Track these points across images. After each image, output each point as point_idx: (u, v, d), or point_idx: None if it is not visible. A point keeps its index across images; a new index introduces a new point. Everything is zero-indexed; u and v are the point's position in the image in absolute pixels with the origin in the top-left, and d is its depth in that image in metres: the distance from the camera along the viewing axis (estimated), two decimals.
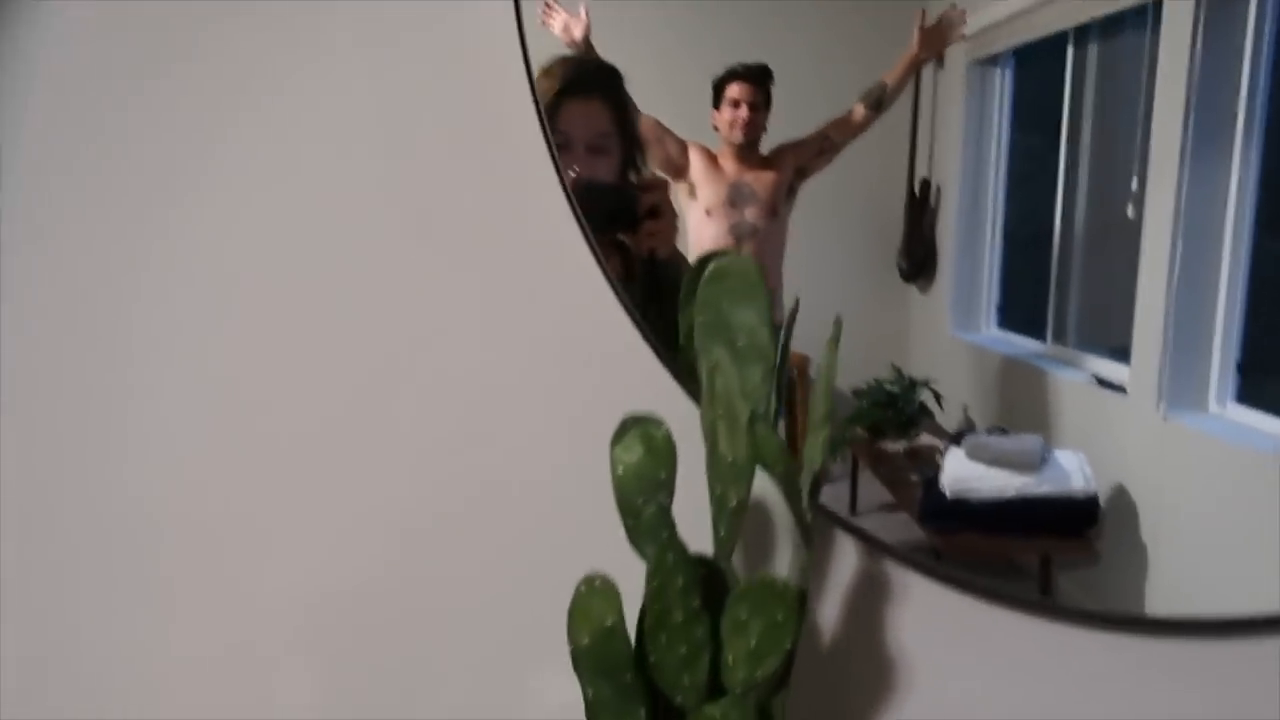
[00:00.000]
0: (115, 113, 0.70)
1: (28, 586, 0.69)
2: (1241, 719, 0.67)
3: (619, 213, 0.66)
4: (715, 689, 0.54)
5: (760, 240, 0.73)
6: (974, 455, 0.74)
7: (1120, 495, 0.73)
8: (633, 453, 0.56)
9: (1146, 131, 0.73)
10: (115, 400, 0.70)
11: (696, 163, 0.72)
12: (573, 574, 0.64)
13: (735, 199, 0.72)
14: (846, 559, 0.72)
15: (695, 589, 0.53)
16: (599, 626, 0.52)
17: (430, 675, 0.70)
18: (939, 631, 0.71)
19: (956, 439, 0.75)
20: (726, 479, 0.55)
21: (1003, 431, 0.75)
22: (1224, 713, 0.68)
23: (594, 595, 0.53)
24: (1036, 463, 0.74)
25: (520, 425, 0.70)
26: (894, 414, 0.77)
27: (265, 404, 0.69)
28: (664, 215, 0.67)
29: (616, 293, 0.68)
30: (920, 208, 0.76)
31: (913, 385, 0.77)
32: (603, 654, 0.53)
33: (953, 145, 0.76)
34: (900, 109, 0.74)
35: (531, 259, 0.68)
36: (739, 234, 0.73)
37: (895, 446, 0.78)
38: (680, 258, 0.67)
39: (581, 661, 0.54)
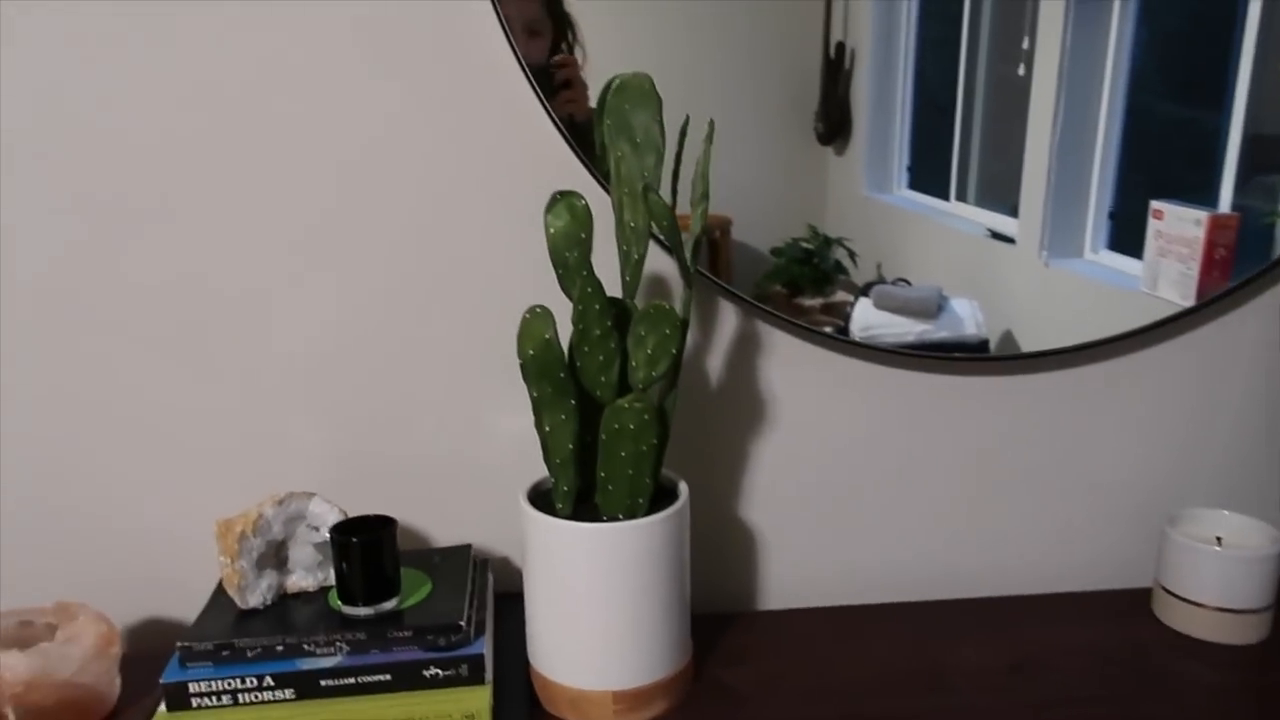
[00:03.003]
0: None
1: (56, 354, 0.81)
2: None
3: (540, 87, 0.77)
4: (624, 388, 0.70)
5: None
6: (880, 304, 0.81)
7: (1008, 338, 0.82)
8: (561, 218, 0.71)
9: None
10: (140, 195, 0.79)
11: None
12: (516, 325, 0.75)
13: None
14: (728, 321, 0.85)
15: (608, 311, 0.68)
16: (540, 340, 0.67)
17: (410, 416, 0.85)
18: (799, 377, 0.85)
19: (864, 290, 0.80)
20: (630, 239, 0.70)
21: (906, 282, 0.81)
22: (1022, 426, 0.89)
23: (535, 319, 0.68)
24: (934, 310, 0.81)
25: (473, 215, 0.82)
26: (810, 270, 0.81)
27: (271, 208, 0.80)
28: (575, 87, 0.77)
29: (551, 116, 0.78)
30: (835, 71, 0.78)
31: (827, 243, 0.81)
32: (543, 361, 0.68)
33: (865, 7, 0.77)
34: None
35: (486, 98, 0.79)
36: None
37: (812, 302, 0.82)
38: (594, 116, 0.75)
39: (528, 369, 0.69)
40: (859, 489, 0.90)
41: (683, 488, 0.74)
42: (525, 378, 0.69)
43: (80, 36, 0.75)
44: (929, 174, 0.80)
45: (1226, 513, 0.86)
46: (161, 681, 0.68)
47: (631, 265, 0.70)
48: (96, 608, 0.75)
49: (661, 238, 0.80)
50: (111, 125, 0.77)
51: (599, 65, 0.77)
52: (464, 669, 0.70)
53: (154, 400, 0.82)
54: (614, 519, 0.71)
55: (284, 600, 0.75)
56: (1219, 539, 0.84)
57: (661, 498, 0.73)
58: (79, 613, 0.73)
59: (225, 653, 0.69)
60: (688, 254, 0.69)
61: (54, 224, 0.78)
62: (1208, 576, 0.80)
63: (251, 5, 0.75)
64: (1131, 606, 0.87)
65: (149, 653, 0.79)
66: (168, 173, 0.78)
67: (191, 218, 0.79)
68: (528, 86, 0.78)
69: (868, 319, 0.80)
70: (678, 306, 0.68)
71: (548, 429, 0.70)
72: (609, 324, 0.68)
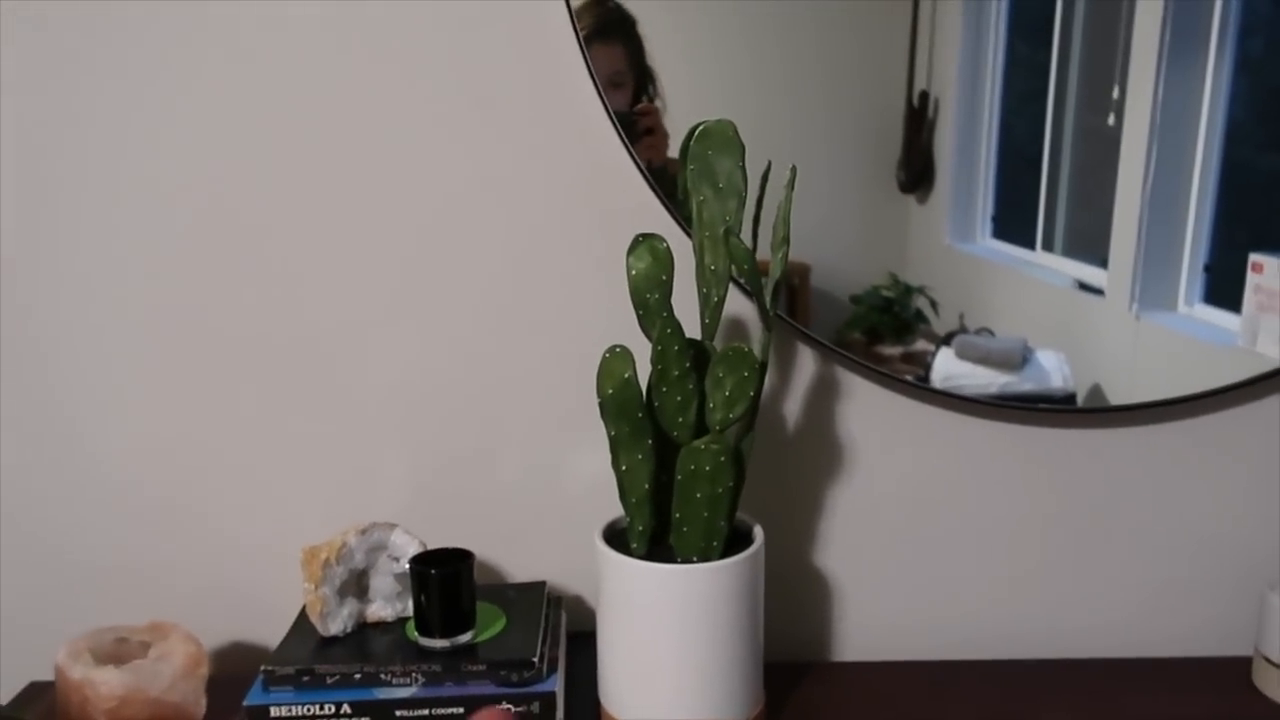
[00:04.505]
0: None
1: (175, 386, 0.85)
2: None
3: (624, 134, 0.79)
4: (701, 429, 0.70)
5: None
6: (962, 354, 0.79)
7: (1096, 392, 0.80)
8: (643, 260, 0.72)
9: (1128, 39, 0.76)
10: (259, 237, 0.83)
11: None
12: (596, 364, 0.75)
13: None
14: (806, 366, 0.85)
15: (687, 352, 0.69)
16: (619, 379, 0.68)
17: (490, 451, 0.87)
18: (878, 423, 0.84)
19: (946, 340, 0.79)
20: (710, 282, 0.71)
21: (990, 333, 0.80)
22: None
23: (615, 358, 0.69)
24: (1018, 362, 0.79)
25: (557, 255, 0.84)
26: (890, 318, 0.80)
27: (366, 249, 0.83)
28: (657, 133, 0.80)
29: (635, 161, 0.81)
30: (919, 120, 0.78)
31: (908, 291, 0.80)
32: (622, 400, 0.69)
33: (950, 57, 0.77)
34: (900, 20, 0.76)
35: (574, 146, 0.81)
36: None
37: (892, 351, 0.81)
38: (673, 163, 0.79)
39: (607, 408, 0.69)
40: (939, 540, 0.88)
41: (758, 532, 0.74)
42: (603, 416, 0.70)
43: (187, 83, 0.79)
44: (1014, 224, 0.79)
45: None
46: (245, 704, 0.70)
47: (711, 308, 0.71)
48: (186, 627, 0.78)
49: (742, 281, 0.81)
50: (223, 167, 0.81)
51: (680, 114, 0.78)
52: (535, 706, 0.70)
53: (250, 431, 0.86)
54: (688, 561, 0.71)
55: (363, 629, 0.77)
56: None
57: (737, 541, 0.72)
58: (171, 632, 0.76)
59: (306, 678, 0.71)
60: (767, 297, 0.70)
61: (159, 266, 0.82)
62: None
63: (352, 57, 0.79)
64: (1230, 676, 0.83)
65: (230, 674, 0.81)
66: (267, 211, 0.82)
67: (291, 258, 0.83)
68: (614, 134, 0.80)
69: (949, 369, 0.79)
70: (756, 349, 0.68)
71: (624, 468, 0.71)
72: (688, 365, 0.69)
